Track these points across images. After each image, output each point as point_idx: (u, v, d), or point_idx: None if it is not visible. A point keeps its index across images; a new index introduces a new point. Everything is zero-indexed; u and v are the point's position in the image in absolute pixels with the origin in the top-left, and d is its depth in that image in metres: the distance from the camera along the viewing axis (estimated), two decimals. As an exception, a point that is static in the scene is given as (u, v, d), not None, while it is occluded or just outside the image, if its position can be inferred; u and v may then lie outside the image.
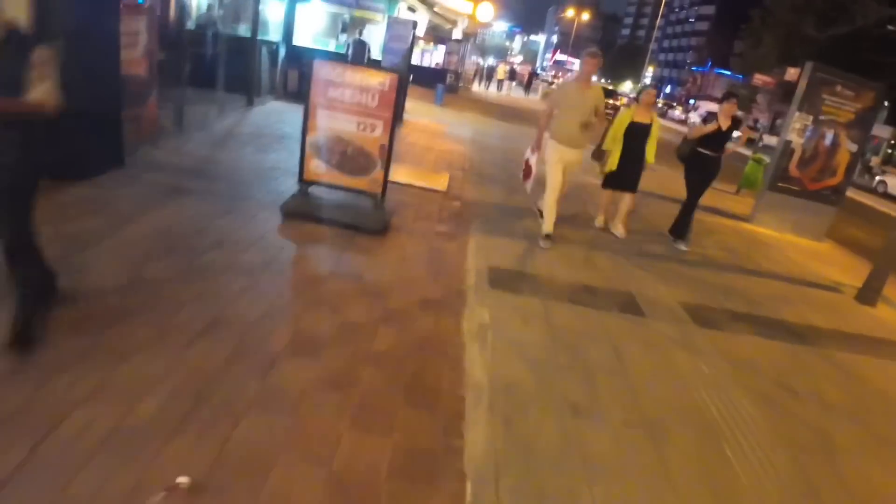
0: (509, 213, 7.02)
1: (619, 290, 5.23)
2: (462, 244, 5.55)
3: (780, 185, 10.01)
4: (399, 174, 7.49)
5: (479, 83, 38.25)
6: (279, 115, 10.35)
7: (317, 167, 5.40)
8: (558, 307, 4.51)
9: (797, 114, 9.89)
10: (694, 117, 49.80)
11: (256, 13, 10.53)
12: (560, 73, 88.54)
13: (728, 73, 63.92)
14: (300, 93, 12.36)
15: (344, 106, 5.14)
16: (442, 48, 27.82)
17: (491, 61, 48.20)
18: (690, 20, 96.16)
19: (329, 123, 5.22)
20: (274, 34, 12.60)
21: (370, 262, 4.65)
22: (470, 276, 4.76)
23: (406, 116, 13.14)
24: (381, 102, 5.09)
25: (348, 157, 5.33)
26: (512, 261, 5.39)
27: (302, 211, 5.35)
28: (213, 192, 5.51)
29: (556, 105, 5.95)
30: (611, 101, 32.89)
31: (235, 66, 10.35)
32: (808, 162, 9.99)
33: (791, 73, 13.13)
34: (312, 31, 13.08)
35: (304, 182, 5.47)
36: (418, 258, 4.94)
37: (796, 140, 9.99)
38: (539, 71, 71.91)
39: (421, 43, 28.30)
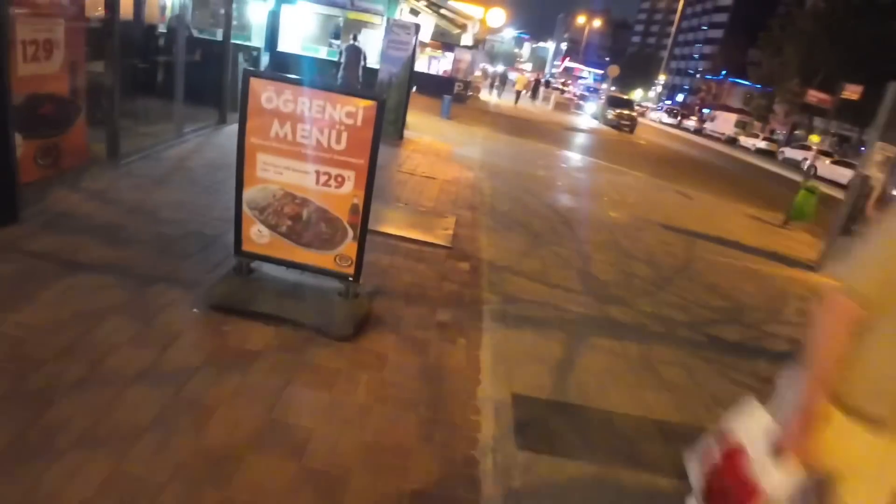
0: (534, 277, 5.25)
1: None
2: (472, 347, 3.79)
3: (854, 228, 8.19)
4: (389, 222, 5.73)
5: (490, 91, 36.62)
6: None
7: (259, 236, 3.66)
8: (630, 481, 2.73)
9: (878, 144, 8.09)
10: (713, 126, 47.95)
11: (229, 13, 8.83)
12: (569, 81, 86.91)
13: (744, 82, 62.05)
14: None
15: (295, 148, 3.40)
16: (450, 55, 26.17)
17: (500, 68, 46.61)
18: (703, 28, 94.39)
19: (274, 173, 3.48)
20: (257, 39, 10.89)
21: (323, 405, 2.89)
22: (485, 424, 2.99)
23: (407, 133, 11.41)
24: (351, 143, 3.35)
25: (305, 223, 3.59)
26: (546, 376, 3.63)
27: (234, 302, 3.61)
28: (119, 267, 3.79)
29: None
30: (625, 112, 31.23)
31: (207, 75, 8.69)
32: (892, 201, 8.17)
33: (851, 90, 11.26)
34: (301, 35, 11.38)
35: (243, 255, 3.73)
36: (404, 388, 3.17)
37: (876, 175, 8.21)
38: (548, 78, 70.13)
39: (428, 50, 26.69)
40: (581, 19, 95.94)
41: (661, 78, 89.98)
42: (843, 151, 42.85)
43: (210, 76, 8.79)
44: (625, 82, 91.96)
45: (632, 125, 30.52)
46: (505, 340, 3.98)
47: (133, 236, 4.36)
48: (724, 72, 72.25)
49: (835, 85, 35.87)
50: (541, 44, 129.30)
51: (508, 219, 6.96)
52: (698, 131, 49.12)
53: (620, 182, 12.09)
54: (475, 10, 19.58)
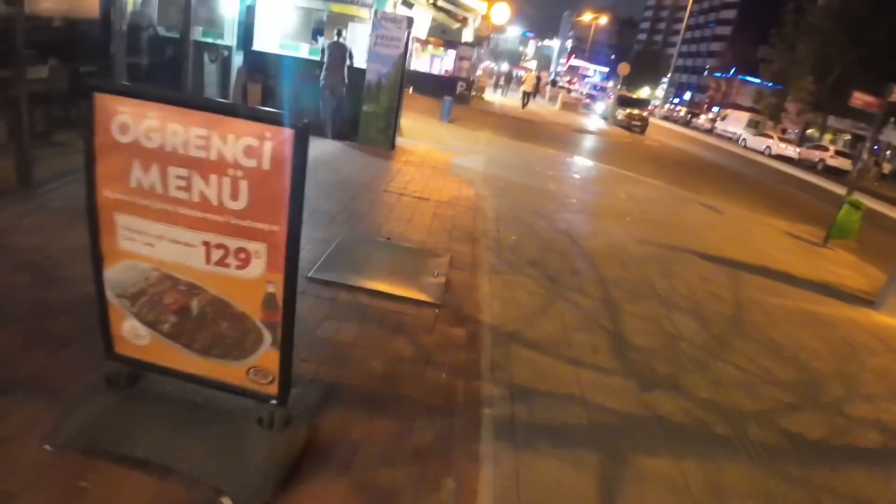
0: (553, 348, 3.92)
1: None
2: (465, 495, 2.47)
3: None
4: (362, 269, 4.41)
5: (495, 90, 35.29)
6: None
7: (134, 334, 2.37)
8: None
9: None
10: (724, 126, 46.44)
11: (188, 5, 7.51)
12: (575, 79, 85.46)
13: (754, 79, 60.47)
14: None
15: (170, 206, 2.09)
16: (452, 53, 24.82)
17: (505, 67, 45.20)
18: (710, 25, 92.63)
19: (143, 245, 2.18)
20: (230, 36, 9.58)
21: None
22: None
23: (401, 141, 10.09)
24: (256, 198, 2.04)
25: (197, 321, 2.29)
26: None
27: (98, 439, 2.32)
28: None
29: None
30: (636, 112, 29.83)
31: (161, 79, 7.43)
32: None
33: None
34: (279, 31, 10.06)
35: (117, 360, 2.45)
36: None
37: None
38: (554, 77, 68.58)
39: (429, 48, 25.36)
40: (587, 17, 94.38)
41: (669, 76, 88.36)
42: (858, 152, 41.36)
43: (169, 79, 7.51)
44: (631, 80, 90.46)
45: (643, 126, 29.14)
46: (514, 475, 2.66)
47: (9, 304, 3.07)
48: (733, 69, 70.65)
49: (850, 83, 34.44)
50: (546, 42, 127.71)
51: (516, 255, 5.62)
52: (709, 131, 47.60)
53: (640, 195, 10.73)
54: (479, 5, 18.21)
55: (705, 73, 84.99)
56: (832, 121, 44.60)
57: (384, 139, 9.22)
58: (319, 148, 8.52)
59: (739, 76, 67.71)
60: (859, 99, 10.15)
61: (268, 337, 2.25)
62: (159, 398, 2.57)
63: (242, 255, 2.10)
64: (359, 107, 9.18)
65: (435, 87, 22.07)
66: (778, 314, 5.64)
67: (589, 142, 19.57)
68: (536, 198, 8.32)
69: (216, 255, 2.11)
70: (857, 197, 10.08)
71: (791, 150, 34.44)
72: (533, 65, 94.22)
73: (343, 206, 6.01)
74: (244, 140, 1.90)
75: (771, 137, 34.20)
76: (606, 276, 5.53)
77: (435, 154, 10.04)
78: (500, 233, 6.16)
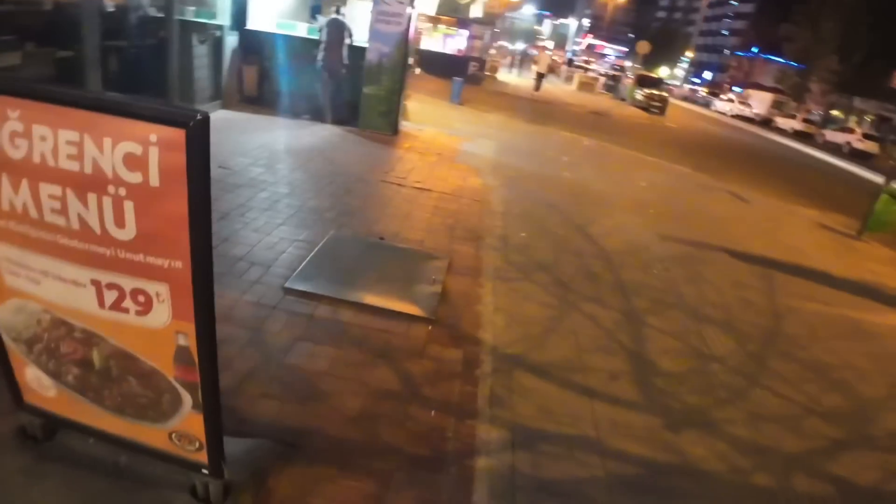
0: (564, 376, 3.36)
1: None
2: None
3: None
4: (346, 278, 3.86)
5: (510, 71, 34.37)
6: (220, 137, 6.76)
7: (38, 383, 1.87)
8: None
9: None
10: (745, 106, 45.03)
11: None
12: (592, 59, 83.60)
13: (777, 58, 58.51)
14: (265, 98, 8.85)
15: (48, 234, 1.54)
16: (465, 32, 23.98)
17: (520, 46, 44.06)
18: (732, 2, 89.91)
19: (29, 282, 1.64)
20: (221, 16, 8.96)
21: None
22: None
23: (406, 126, 9.49)
24: (146, 223, 1.47)
25: (102, 376, 1.76)
26: None
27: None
28: None
29: None
30: (655, 92, 28.82)
31: (146, 63, 6.90)
32: None
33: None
34: (275, 9, 9.44)
35: (29, 409, 1.95)
36: None
37: None
38: (571, 56, 66.88)
39: (441, 27, 24.53)
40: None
41: (689, 55, 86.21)
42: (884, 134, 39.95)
43: (151, 64, 6.96)
44: (649, 59, 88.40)
45: (662, 107, 28.13)
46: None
47: None
48: (755, 48, 68.50)
49: (877, 63, 32.79)
50: (561, 20, 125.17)
51: (525, 256, 5.04)
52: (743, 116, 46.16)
53: (662, 182, 10.05)
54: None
55: (726, 51, 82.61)
56: (857, 102, 43.05)
57: (386, 124, 8.63)
58: (316, 134, 7.96)
59: (762, 55, 65.56)
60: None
61: (187, 398, 1.73)
62: (79, 457, 2.07)
63: (141, 298, 1.56)
64: (359, 89, 8.58)
65: (446, 67, 21.30)
66: (819, 325, 5.03)
67: (606, 124, 18.77)
68: (549, 188, 7.71)
69: (110, 296, 1.58)
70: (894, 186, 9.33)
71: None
72: (549, 44, 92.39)
73: (334, 200, 5.46)
74: (123, 146, 1.34)
75: (852, 132, 32.83)
76: (627, 282, 4.94)
77: (441, 139, 9.43)
78: (508, 230, 5.57)
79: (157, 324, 1.59)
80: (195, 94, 7.77)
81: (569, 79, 36.40)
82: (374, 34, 8.31)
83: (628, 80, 33.69)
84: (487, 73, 26.55)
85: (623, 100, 31.29)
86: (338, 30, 8.52)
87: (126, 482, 2.03)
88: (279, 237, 4.38)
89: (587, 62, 74.34)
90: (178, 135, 1.33)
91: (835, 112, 47.36)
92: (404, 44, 8.31)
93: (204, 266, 1.49)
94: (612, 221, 6.69)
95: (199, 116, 1.34)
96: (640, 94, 28.70)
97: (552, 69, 36.20)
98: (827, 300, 5.75)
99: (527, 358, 3.48)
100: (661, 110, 28.08)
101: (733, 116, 33.51)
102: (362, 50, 8.56)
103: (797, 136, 35.08)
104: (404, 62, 8.43)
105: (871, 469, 3.19)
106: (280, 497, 2.17)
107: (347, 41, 8.65)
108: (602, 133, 15.19)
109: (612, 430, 2.99)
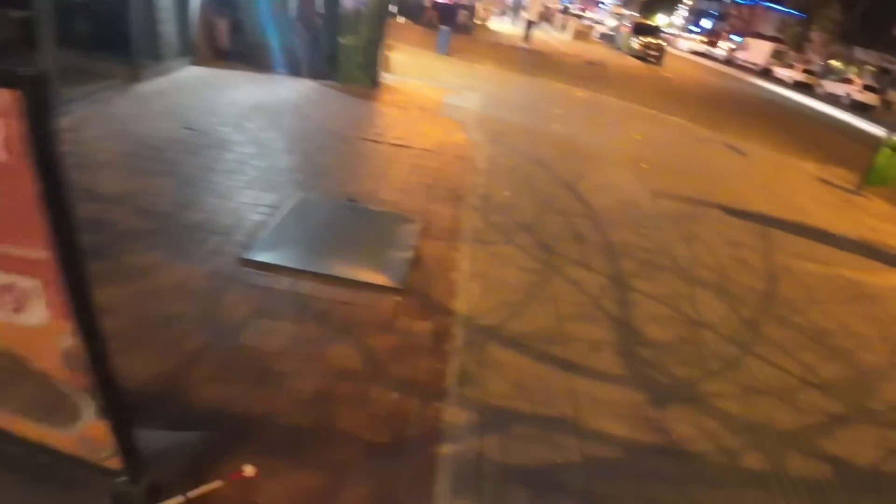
0: (542, 348, 3.12)
1: None
2: None
3: None
4: (311, 244, 3.56)
5: (503, 18, 33.24)
6: (188, 96, 6.37)
7: None
8: None
9: None
10: (745, 56, 44.01)
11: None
12: (587, 7, 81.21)
13: (778, 7, 56.82)
14: (237, 52, 8.34)
15: None
16: (454, -22, 22.94)
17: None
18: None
19: None
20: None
21: None
22: None
23: (387, 77, 9.03)
24: None
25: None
26: None
27: None
28: None
29: None
30: (652, 41, 27.95)
31: (105, 13, 6.42)
32: None
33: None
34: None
35: None
36: None
37: None
38: (566, 3, 64.73)
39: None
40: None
41: (687, 1, 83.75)
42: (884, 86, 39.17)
43: (112, 19, 6.46)
44: (643, 6, 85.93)
45: (659, 56, 27.30)
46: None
47: None
48: (756, -6, 66.46)
49: (881, 13, 31.72)
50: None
51: (508, 216, 4.74)
52: (729, 61, 45.09)
53: (657, 135, 9.66)
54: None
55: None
56: (859, 53, 42.05)
57: (366, 77, 8.17)
58: (292, 90, 7.51)
59: (762, 3, 63.68)
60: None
61: (87, 403, 1.46)
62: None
63: (15, 294, 1.27)
64: (337, 40, 8.08)
65: (433, 15, 20.46)
66: (817, 286, 4.79)
67: (601, 74, 18.16)
68: (538, 142, 7.33)
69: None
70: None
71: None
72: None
73: (306, 160, 5.11)
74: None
75: (851, 83, 32.01)
76: (615, 243, 4.66)
77: (425, 92, 8.97)
78: (491, 188, 5.25)
79: (34, 323, 1.31)
80: (161, 51, 7.23)
81: (563, 27, 35.24)
82: (350, -22, 7.77)
83: (625, 29, 32.67)
84: (478, 22, 25.59)
85: (619, 49, 30.38)
86: (312, -26, 7.98)
87: (52, 484, 1.80)
88: (243, 202, 4.06)
89: (583, 9, 72.14)
90: (10, 97, 1.00)
91: (835, 63, 46.32)
92: (384, -13, 7.78)
93: (70, 256, 1.19)
94: (602, 177, 6.37)
95: (34, 73, 1.01)
96: (636, 43, 27.82)
97: (544, 17, 35.02)
98: (826, 260, 5.50)
99: (503, 329, 3.22)
100: (658, 60, 27.27)
101: (725, 62, 32.74)
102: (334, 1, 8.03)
103: (797, 86, 34.33)
104: (384, 10, 7.91)
105: (869, 447, 2.99)
106: (219, 497, 1.93)
107: (323, -13, 8.12)
108: (596, 84, 14.64)
109: (591, 408, 2.76)
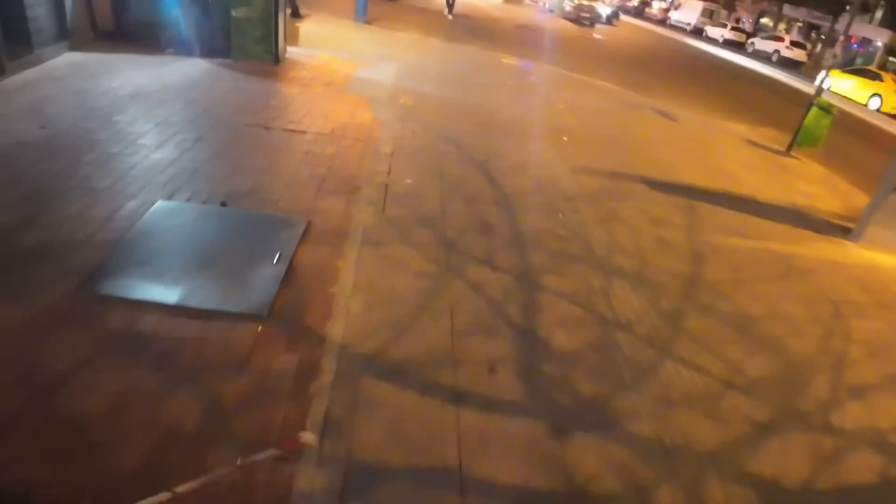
0: (430, 372, 2.67)
1: None
2: None
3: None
4: (162, 266, 2.96)
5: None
6: (57, 87, 5.50)
7: None
8: None
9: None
10: (678, 16, 44.30)
11: None
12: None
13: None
14: (124, 33, 7.41)
15: None
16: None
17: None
18: None
19: None
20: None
21: None
22: None
23: (294, 52, 8.27)
24: None
25: None
26: None
27: None
28: None
29: None
30: (585, 3, 27.56)
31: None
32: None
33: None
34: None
35: None
36: None
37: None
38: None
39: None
40: None
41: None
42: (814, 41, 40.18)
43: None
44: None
45: (593, 18, 26.97)
46: None
47: None
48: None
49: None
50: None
51: (407, 209, 4.22)
52: (662, 21, 45.28)
53: (585, 103, 9.27)
54: None
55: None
56: (787, 9, 42.90)
57: (264, 52, 7.40)
58: (179, 71, 6.70)
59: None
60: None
61: None
62: None
63: None
64: (230, 13, 7.26)
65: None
66: (745, 265, 4.50)
67: (532, 38, 17.65)
68: (453, 117, 6.80)
69: None
70: (828, 100, 8.87)
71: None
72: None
73: (178, 155, 4.43)
74: None
75: (781, 41, 32.20)
76: (527, 232, 4.21)
77: (335, 66, 8.26)
78: (393, 175, 4.71)
79: None
80: (32, 36, 6.23)
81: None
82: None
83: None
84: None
85: (552, 12, 29.87)
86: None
87: None
88: (94, 215, 3.40)
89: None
90: None
91: (764, 20, 47.21)
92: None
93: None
94: (519, 155, 5.90)
95: None
96: (568, 5, 27.37)
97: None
98: (754, 233, 5.23)
99: (384, 356, 2.73)
100: (592, 22, 26.95)
101: (658, 23, 32.84)
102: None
103: (728, 45, 34.70)
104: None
105: (799, 458, 2.68)
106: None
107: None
108: (525, 49, 14.14)
109: (480, 450, 2.32)
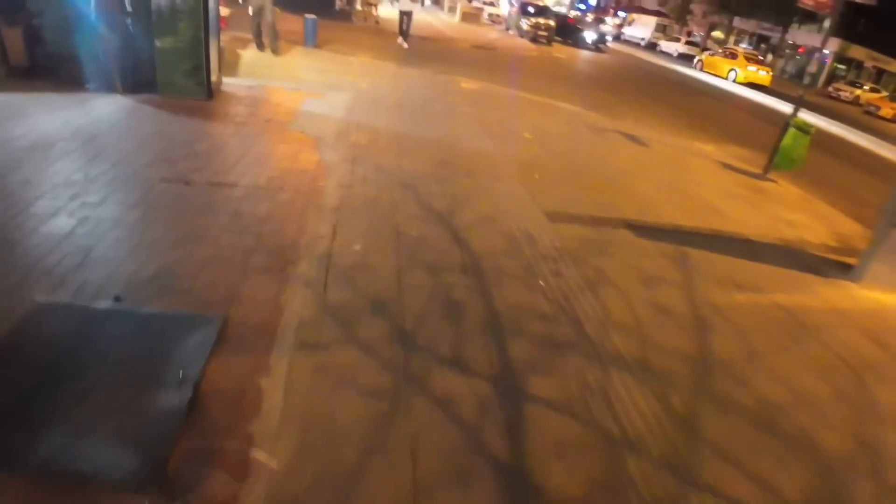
0: None
1: None
2: None
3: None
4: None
5: (393, 3, 31.48)
6: None
7: None
8: None
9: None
10: (632, 31, 44.88)
11: None
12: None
13: (659, -21, 58.56)
14: (39, 68, 6.48)
15: None
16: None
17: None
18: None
19: None
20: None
21: None
22: None
23: (230, 83, 7.46)
24: None
25: None
26: None
27: None
28: None
29: None
30: (542, 21, 27.36)
31: None
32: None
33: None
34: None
35: None
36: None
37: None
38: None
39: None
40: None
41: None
42: (763, 52, 41.13)
43: None
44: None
45: (549, 36, 26.76)
46: None
47: None
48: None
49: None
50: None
51: (353, 289, 3.43)
52: (617, 37, 45.79)
53: (550, 130, 8.68)
54: None
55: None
56: (737, 21, 43.89)
57: (195, 85, 6.55)
58: (96, 112, 5.81)
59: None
60: (807, 1, 8.31)
61: None
62: None
63: None
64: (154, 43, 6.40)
65: (310, 2, 18.65)
66: (753, 328, 3.87)
67: (490, 59, 17.15)
68: (411, 155, 6.06)
69: None
70: (805, 120, 8.48)
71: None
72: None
73: (75, 224, 3.57)
74: None
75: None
76: (502, 311, 3.47)
77: (278, 98, 7.46)
78: (338, 240, 3.93)
79: None
80: None
81: (451, 10, 34.10)
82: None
83: (513, 9, 31.95)
84: (361, 8, 23.89)
85: (509, 30, 29.64)
86: (110, -39, 6.24)
87: None
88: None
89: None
90: None
91: (716, 33, 48.25)
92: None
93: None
94: (486, 201, 5.19)
95: None
96: (525, 24, 27.13)
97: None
98: (753, 283, 4.62)
99: None
100: (549, 40, 26.75)
101: (613, 39, 33.24)
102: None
103: (682, 58, 35.10)
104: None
105: None
106: None
107: (128, -23, 6.42)
108: (484, 71, 13.57)
109: None
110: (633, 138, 9.08)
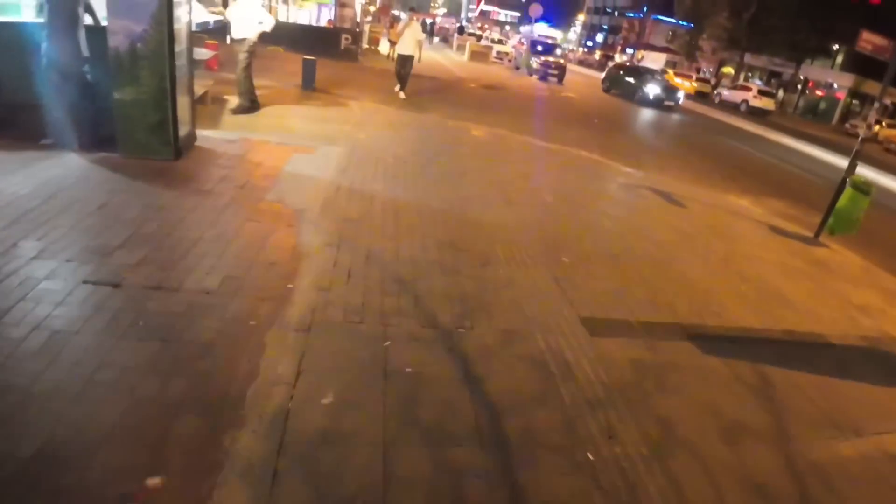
0: None
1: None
2: None
3: None
4: None
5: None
6: None
7: None
8: None
9: None
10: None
11: None
12: (486, 25, 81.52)
13: (668, 18, 58.60)
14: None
15: None
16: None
17: (404, 15, 40.73)
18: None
19: None
20: None
21: None
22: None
23: (210, 136, 6.49)
24: None
25: None
26: None
27: None
28: None
29: None
30: (551, 59, 26.76)
31: None
32: None
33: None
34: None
35: None
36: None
37: None
38: (462, 23, 63.73)
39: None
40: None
41: (580, 17, 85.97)
42: (774, 88, 40.53)
43: None
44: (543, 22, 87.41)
45: (560, 74, 26.14)
46: None
47: None
48: (645, 8, 68.62)
49: (767, 19, 32.46)
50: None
51: (320, 480, 2.32)
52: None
53: (573, 187, 7.67)
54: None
55: (616, 13, 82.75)
56: (748, 58, 43.44)
57: (160, 144, 5.55)
58: (42, 176, 4.82)
59: (652, 16, 65.67)
60: (868, 42, 7.34)
61: None
62: None
63: None
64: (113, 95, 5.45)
65: (315, 42, 18.06)
66: (863, 498, 2.70)
67: (500, 100, 16.29)
68: (411, 233, 5.00)
69: None
70: (864, 177, 7.42)
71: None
72: (442, 11, 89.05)
73: None
74: None
75: (749, 90, 32.77)
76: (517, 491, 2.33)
77: (261, 154, 6.46)
78: (303, 386, 2.82)
79: None
80: None
81: (460, 48, 33.69)
82: (113, 6, 5.16)
83: (522, 47, 31.47)
84: (367, 46, 23.35)
85: (518, 69, 29.07)
86: (69, 5, 5.34)
87: None
88: None
89: (482, 28, 71.88)
90: None
91: (726, 69, 47.84)
92: (164, 17, 5.20)
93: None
94: (507, 304, 4.08)
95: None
96: (535, 63, 26.54)
97: (443, 36, 33.18)
98: (853, 419, 3.49)
99: None
100: (560, 78, 26.12)
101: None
102: (101, 29, 5.43)
103: (693, 95, 34.46)
104: (172, 43, 5.34)
105: None
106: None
107: (86, 19, 5.53)
108: (495, 114, 12.67)
109: None
110: (666, 196, 8.03)
